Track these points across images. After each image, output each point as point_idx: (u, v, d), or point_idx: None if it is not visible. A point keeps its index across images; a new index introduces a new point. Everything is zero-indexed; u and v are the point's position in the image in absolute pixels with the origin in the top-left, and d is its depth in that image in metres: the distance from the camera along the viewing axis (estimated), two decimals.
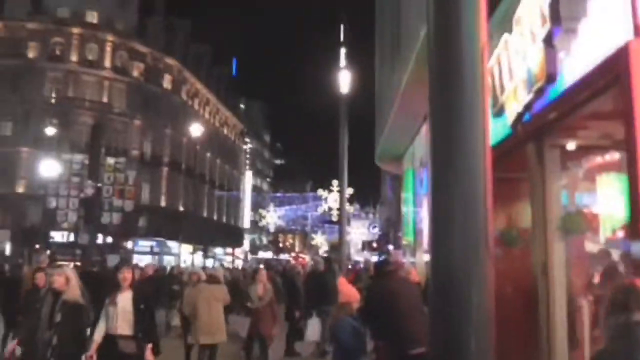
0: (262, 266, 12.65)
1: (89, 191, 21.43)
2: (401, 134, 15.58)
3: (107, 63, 47.26)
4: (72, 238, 29.14)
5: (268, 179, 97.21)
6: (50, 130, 35.68)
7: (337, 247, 18.06)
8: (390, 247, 43.24)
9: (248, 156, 78.62)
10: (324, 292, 10.93)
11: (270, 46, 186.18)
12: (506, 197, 7.94)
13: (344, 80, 15.02)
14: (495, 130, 6.95)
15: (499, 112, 6.63)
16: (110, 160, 23.32)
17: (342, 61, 16.11)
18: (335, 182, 39.64)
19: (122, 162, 23.35)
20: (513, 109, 6.04)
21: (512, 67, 6.04)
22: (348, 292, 5.62)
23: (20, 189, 42.29)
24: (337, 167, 14.45)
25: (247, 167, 76.86)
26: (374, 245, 45.05)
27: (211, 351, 8.80)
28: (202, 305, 8.67)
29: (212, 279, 9.65)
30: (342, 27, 16.47)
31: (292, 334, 11.59)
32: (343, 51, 16.30)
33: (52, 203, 22.86)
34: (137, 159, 46.98)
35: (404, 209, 19.43)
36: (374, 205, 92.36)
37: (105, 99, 46.90)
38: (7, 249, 39.43)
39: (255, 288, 9.52)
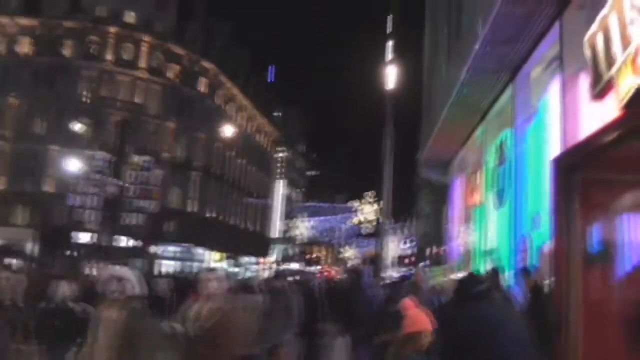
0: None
1: (112, 189, 20.12)
2: (451, 138, 14.01)
3: (143, 64, 46.48)
4: (96, 239, 28.04)
5: (301, 190, 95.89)
6: (77, 127, 34.76)
7: (372, 260, 16.45)
8: (426, 262, 41.39)
9: (281, 165, 77.40)
10: (346, 310, 9.39)
11: (310, 53, 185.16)
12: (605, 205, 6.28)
13: (391, 75, 13.35)
14: (598, 115, 5.30)
15: (603, 91, 5.00)
16: (136, 158, 22.00)
17: (389, 54, 14.43)
18: (369, 194, 37.86)
19: (148, 161, 22.00)
20: (628, 83, 4.35)
21: (628, 29, 4.39)
22: (417, 318, 3.85)
23: (47, 188, 41.54)
24: (372, 179, 12.99)
25: (280, 175, 75.59)
26: (407, 261, 43.19)
27: None
28: None
29: (246, 288, 9.24)
30: (390, 17, 14.84)
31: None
32: (390, 44, 14.64)
33: (73, 200, 21.60)
34: (168, 161, 46.04)
35: (448, 222, 17.74)
36: (406, 219, 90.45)
37: (138, 100, 46.07)
38: (29, 247, 38.64)
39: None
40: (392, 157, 13.09)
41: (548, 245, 6.96)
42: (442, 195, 38.75)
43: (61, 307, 6.46)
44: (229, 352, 5.17)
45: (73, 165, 25.07)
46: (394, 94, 14.05)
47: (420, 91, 19.02)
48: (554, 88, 7.35)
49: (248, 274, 29.82)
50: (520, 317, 4.37)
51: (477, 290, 3.91)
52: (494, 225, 10.02)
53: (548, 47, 7.79)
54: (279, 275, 9.30)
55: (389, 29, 14.59)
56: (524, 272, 6.52)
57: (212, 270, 6.10)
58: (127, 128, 22.76)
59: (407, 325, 3.70)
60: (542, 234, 7.25)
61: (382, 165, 12.84)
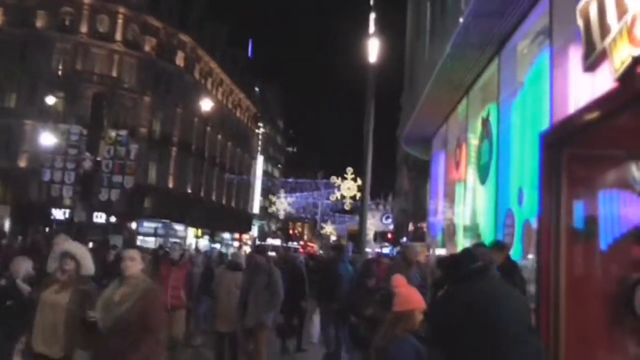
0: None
1: (87, 164, 19.70)
2: (434, 112, 13.87)
3: (118, 36, 45.52)
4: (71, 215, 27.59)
5: (279, 166, 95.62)
6: (50, 100, 33.95)
7: (355, 236, 16.37)
8: (404, 239, 41.61)
9: (260, 141, 76.95)
10: (330, 286, 9.31)
11: (288, 27, 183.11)
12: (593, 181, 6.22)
13: (373, 49, 13.15)
14: (589, 88, 5.18)
15: (596, 63, 4.88)
16: (112, 133, 21.53)
17: (371, 27, 14.21)
18: (350, 170, 37.75)
19: (123, 135, 21.55)
20: (623, 54, 4.22)
21: None
22: (409, 296, 3.70)
23: (22, 164, 40.77)
24: (351, 155, 12.83)
25: (259, 152, 75.19)
26: (389, 236, 43.28)
27: (231, 340, 8.51)
28: (222, 293, 8.51)
29: (233, 265, 9.07)
30: None
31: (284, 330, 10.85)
32: (372, 17, 14.41)
33: (47, 176, 21.12)
34: (145, 137, 45.41)
35: (430, 198, 17.70)
36: (384, 196, 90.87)
37: (114, 73, 45.19)
38: (7, 225, 38.08)
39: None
40: (372, 133, 12.91)
41: (532, 221, 6.91)
42: (422, 171, 38.95)
43: (11, 287, 5.68)
44: (146, 344, 4.28)
45: (47, 139, 24.50)
46: (376, 69, 13.86)
47: (402, 67, 18.81)
48: (542, 62, 7.22)
49: (229, 250, 29.68)
50: (521, 296, 4.20)
51: (475, 267, 3.72)
52: (477, 201, 9.95)
53: (536, 20, 7.63)
54: (260, 250, 9.04)
55: (371, 1, 14.33)
56: (497, 245, 6.44)
57: (133, 248, 5.31)
58: (102, 101, 22.22)
59: (398, 303, 3.56)
60: (526, 210, 7.18)
61: (363, 141, 12.67)
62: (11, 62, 41.36)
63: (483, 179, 9.44)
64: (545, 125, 6.60)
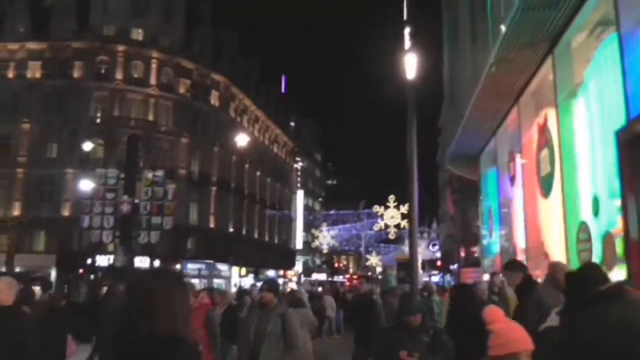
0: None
1: (125, 207, 19.37)
2: (481, 125, 13.00)
3: (153, 80, 46.01)
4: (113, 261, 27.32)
5: (320, 199, 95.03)
6: (88, 146, 34.17)
7: (405, 266, 15.38)
8: (454, 266, 40.24)
9: (299, 175, 76.63)
10: (364, 325, 8.41)
11: (319, 59, 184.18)
12: None
13: (411, 64, 12.35)
14: None
15: None
16: (148, 174, 21.21)
17: (407, 42, 13.41)
18: (392, 198, 36.78)
19: (160, 176, 21.17)
20: None
21: None
22: (511, 333, 2.78)
23: (65, 212, 41.09)
24: (391, 183, 12.01)
25: (299, 186, 74.78)
26: (438, 264, 41.90)
27: None
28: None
29: (296, 302, 7.97)
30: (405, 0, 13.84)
31: None
32: (407, 30, 13.62)
33: (85, 222, 20.87)
34: (185, 177, 45.42)
35: (481, 219, 16.67)
36: (429, 224, 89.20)
37: (151, 117, 45.56)
38: (53, 274, 38.19)
39: None
40: (415, 161, 12.01)
41: (612, 232, 5.97)
42: (468, 193, 37.69)
43: None
44: None
45: (86, 186, 24.41)
46: (415, 84, 13.04)
47: (440, 85, 18.05)
48: (604, 53, 6.37)
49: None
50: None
51: (604, 288, 2.83)
52: (541, 217, 8.99)
53: (593, 9, 6.82)
54: (272, 287, 7.12)
55: (405, 14, 13.58)
56: (513, 265, 5.61)
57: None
58: (137, 142, 22.03)
59: (497, 345, 2.69)
60: (603, 220, 6.24)
61: (407, 160, 11.80)
62: (51, 114, 42.13)
63: (546, 191, 8.49)
64: (619, 121, 5.73)
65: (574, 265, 6.54)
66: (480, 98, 10.69)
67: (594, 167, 6.65)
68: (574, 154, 7.35)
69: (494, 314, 2.80)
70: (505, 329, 2.73)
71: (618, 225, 5.74)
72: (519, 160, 10.61)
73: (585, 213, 6.76)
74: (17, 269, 38.63)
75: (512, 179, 11.53)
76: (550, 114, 8.36)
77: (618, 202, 5.65)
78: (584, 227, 6.76)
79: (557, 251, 7.76)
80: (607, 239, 6.13)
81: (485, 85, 9.94)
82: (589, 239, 6.54)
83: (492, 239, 13.89)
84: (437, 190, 66.46)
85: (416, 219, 10.51)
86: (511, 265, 5.69)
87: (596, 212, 6.41)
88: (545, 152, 8.52)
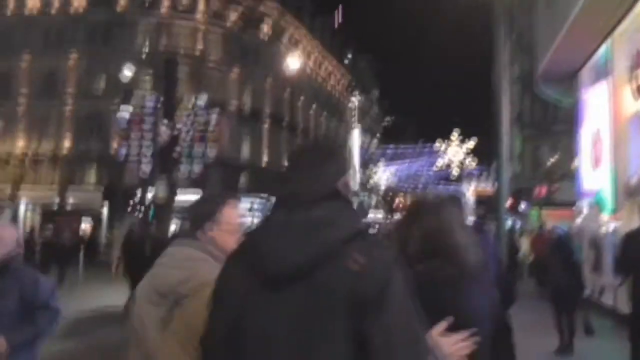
0: None
1: (165, 133, 17.28)
2: (588, 32, 10.26)
3: (201, 9, 43.56)
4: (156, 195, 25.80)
5: (377, 137, 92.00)
6: (129, 70, 32.11)
7: (485, 202, 12.95)
8: (522, 206, 37.18)
9: (355, 112, 73.64)
10: None
11: None
12: None
13: None
14: None
15: None
16: (190, 98, 19.07)
17: None
18: (456, 131, 33.82)
19: (202, 101, 19.00)
20: None
21: None
22: None
23: (114, 147, 39.87)
24: (452, 123, 9.57)
25: (355, 122, 71.92)
26: (507, 204, 38.87)
27: None
28: None
29: None
30: None
31: None
32: None
33: (123, 153, 19.04)
34: (236, 112, 43.46)
35: (575, 151, 13.96)
36: (488, 162, 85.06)
37: (200, 48, 43.38)
38: (105, 211, 37.47)
39: None
40: (507, 73, 9.77)
41: None
42: (540, 129, 34.30)
43: None
44: None
45: (126, 114, 22.63)
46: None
47: None
48: None
49: None
50: None
51: None
52: None
53: None
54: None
55: None
56: None
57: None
58: (176, 65, 19.88)
59: None
60: None
61: (494, 83, 9.64)
62: (97, 47, 40.49)
63: None
64: None
65: None
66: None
67: None
68: None
69: None
70: None
71: None
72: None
73: None
74: (70, 202, 38.49)
75: (638, 91, 8.88)
76: None
77: None
78: None
79: None
80: None
81: None
82: None
83: (594, 174, 11.26)
84: (499, 126, 62.50)
85: (505, 148, 8.64)
86: None
87: None
88: None
